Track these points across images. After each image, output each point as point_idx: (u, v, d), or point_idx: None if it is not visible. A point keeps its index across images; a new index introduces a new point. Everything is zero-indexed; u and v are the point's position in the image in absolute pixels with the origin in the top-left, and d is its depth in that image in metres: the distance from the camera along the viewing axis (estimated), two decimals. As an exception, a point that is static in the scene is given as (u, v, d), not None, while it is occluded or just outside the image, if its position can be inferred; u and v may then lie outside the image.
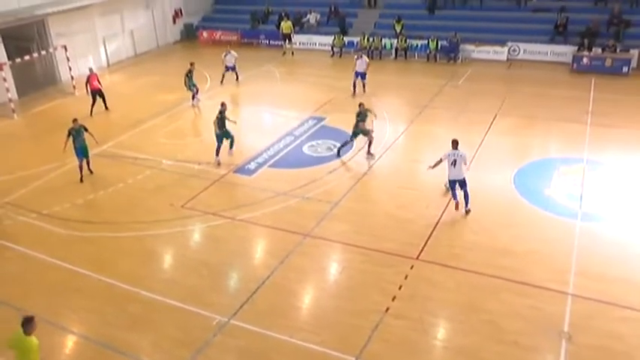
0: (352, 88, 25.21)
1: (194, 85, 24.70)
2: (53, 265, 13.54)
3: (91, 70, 24.46)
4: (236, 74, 27.65)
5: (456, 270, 12.60)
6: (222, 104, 18.65)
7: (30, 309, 11.79)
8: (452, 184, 14.96)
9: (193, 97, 24.83)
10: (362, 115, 18.23)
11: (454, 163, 14.69)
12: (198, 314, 11.53)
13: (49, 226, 15.30)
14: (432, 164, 15.17)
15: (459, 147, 14.84)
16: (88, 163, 17.94)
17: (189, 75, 24.46)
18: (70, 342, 11.27)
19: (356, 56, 25.83)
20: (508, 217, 14.72)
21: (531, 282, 12.04)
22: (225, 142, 18.73)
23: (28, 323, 8.79)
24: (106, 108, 24.45)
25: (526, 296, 11.63)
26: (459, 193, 14.92)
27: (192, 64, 24.69)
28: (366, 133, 18.35)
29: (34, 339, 8.84)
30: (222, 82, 27.42)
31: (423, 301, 11.67)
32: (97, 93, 23.91)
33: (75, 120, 17.57)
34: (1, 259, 14.05)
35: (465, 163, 14.82)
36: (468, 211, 14.88)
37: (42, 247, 14.27)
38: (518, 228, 14.19)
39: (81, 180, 17.57)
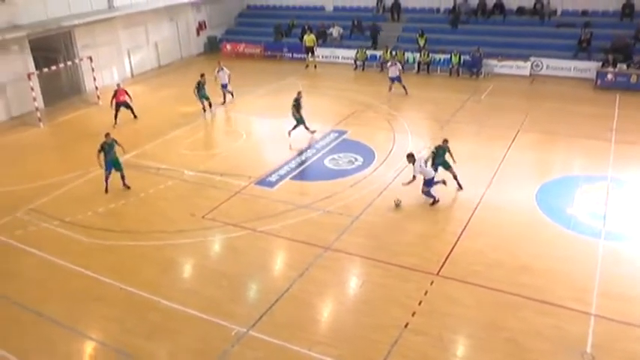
0: (389, 91, 27.39)
1: (206, 98, 24.69)
2: (75, 272, 13.68)
3: (118, 85, 24.79)
4: (224, 95, 26.67)
5: (476, 287, 12.46)
6: (299, 93, 21.78)
7: (50, 314, 12.02)
8: (431, 181, 15.98)
9: (204, 110, 24.82)
10: (441, 150, 16.84)
11: (425, 164, 15.95)
12: (217, 324, 11.54)
13: (71, 234, 15.48)
14: (406, 181, 16.10)
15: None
16: (122, 178, 17.95)
17: (198, 86, 24.45)
18: (88, 348, 11.35)
19: (389, 63, 27.79)
20: (529, 235, 14.55)
21: (553, 301, 11.85)
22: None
23: None
24: (135, 117, 24.74)
25: (547, 315, 11.46)
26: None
27: (202, 76, 24.67)
28: (448, 167, 17.00)
29: None
30: (224, 102, 26.64)
31: (442, 317, 11.56)
32: (121, 105, 24.18)
33: (107, 134, 17.72)
34: (25, 264, 14.23)
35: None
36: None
37: (64, 254, 14.42)
38: (539, 246, 14.01)
39: (106, 191, 17.66)
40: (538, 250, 13.82)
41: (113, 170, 17.68)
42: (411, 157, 15.90)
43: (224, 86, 26.48)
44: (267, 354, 10.72)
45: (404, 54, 31.74)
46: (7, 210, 16.77)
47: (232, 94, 26.97)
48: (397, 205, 16.06)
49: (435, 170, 16.48)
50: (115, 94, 24.09)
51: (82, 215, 16.40)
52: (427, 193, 16.07)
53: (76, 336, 11.57)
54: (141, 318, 11.94)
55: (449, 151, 16.85)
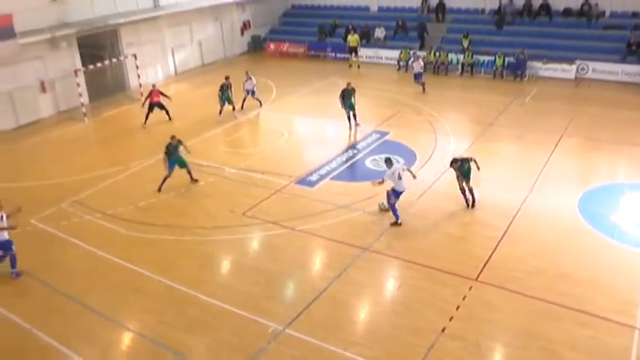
0: (422, 89, 27.88)
1: (230, 101, 24.61)
2: (116, 264, 14.00)
3: (153, 86, 25.06)
4: (258, 100, 26.03)
5: (515, 294, 12.28)
6: (348, 84, 22.57)
7: (93, 305, 12.33)
8: (399, 194, 15.23)
9: (220, 112, 24.62)
10: (458, 164, 15.97)
11: (399, 176, 15.09)
12: (253, 321, 11.66)
13: (113, 226, 15.86)
14: (377, 181, 15.50)
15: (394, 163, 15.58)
16: (189, 173, 18.15)
17: (222, 89, 24.34)
18: (127, 339, 11.62)
19: (412, 59, 28.45)
20: (571, 242, 14.25)
21: (593, 312, 11.58)
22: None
23: None
24: (170, 119, 24.72)
25: (587, 326, 11.21)
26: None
27: (227, 78, 24.56)
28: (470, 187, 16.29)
29: None
30: (242, 107, 25.77)
31: (480, 323, 11.43)
32: (155, 105, 24.27)
33: (173, 137, 17.82)
34: (69, 255, 14.65)
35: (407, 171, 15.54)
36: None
37: (106, 246, 14.78)
38: (581, 254, 13.71)
39: (159, 189, 17.76)
40: (580, 258, 13.53)
41: (177, 167, 17.76)
42: (388, 162, 15.48)
43: (250, 92, 25.75)
44: (304, 353, 10.77)
45: (447, 55, 31.48)
46: (53, 201, 17.26)
47: (260, 102, 26.15)
48: (382, 209, 15.93)
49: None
50: (150, 95, 24.32)
51: (123, 208, 16.77)
52: (392, 207, 15.34)
53: (116, 326, 11.86)
54: (179, 311, 12.15)
55: (472, 162, 15.92)
